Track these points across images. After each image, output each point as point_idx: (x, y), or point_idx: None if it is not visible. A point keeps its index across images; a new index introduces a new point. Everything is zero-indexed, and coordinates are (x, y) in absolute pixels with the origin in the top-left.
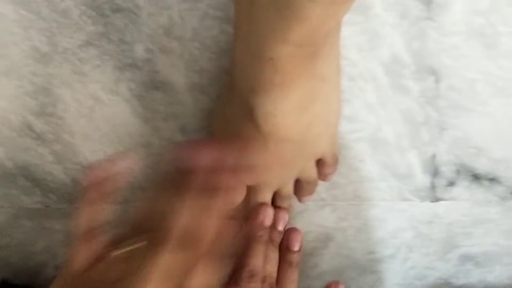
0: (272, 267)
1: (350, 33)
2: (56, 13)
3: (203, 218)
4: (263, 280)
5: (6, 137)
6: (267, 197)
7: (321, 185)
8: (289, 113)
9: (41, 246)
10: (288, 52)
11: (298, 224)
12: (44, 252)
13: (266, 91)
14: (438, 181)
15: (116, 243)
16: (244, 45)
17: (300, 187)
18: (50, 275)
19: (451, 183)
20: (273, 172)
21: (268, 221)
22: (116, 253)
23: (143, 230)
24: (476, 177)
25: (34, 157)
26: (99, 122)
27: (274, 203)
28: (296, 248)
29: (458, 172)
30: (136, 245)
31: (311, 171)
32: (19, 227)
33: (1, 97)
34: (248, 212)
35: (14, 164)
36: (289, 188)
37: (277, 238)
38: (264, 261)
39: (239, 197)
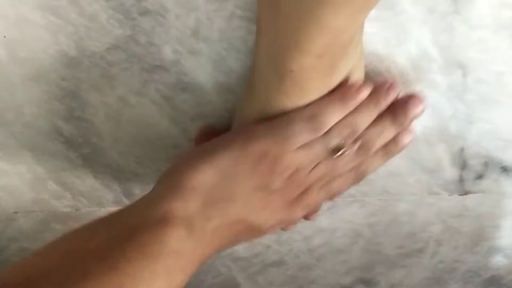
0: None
1: (377, 28)
2: (83, 17)
3: None
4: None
5: (35, 142)
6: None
7: None
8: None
9: None
10: (308, 63)
11: (327, 220)
12: None
13: (286, 101)
14: (467, 174)
15: None
16: (266, 55)
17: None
18: None
19: (480, 176)
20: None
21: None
22: None
23: None
24: (505, 169)
25: (63, 161)
26: (127, 125)
27: None
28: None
29: (486, 164)
30: None
31: None
32: (50, 231)
33: (30, 102)
34: None
35: (44, 168)
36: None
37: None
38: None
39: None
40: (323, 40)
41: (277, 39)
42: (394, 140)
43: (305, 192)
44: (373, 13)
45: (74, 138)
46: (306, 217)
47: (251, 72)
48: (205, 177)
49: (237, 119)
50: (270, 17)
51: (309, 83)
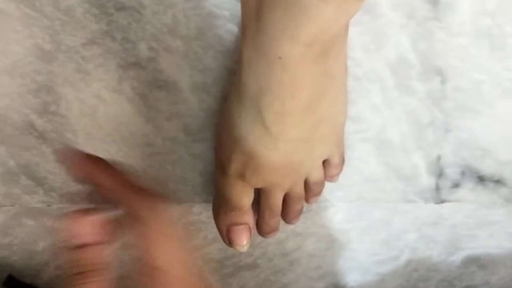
0: None
1: (356, 32)
2: (59, 11)
3: None
4: None
5: (8, 136)
6: (278, 199)
7: (325, 186)
8: (298, 112)
9: (43, 245)
10: (297, 51)
11: (301, 225)
12: (46, 251)
13: (275, 90)
14: (443, 182)
15: None
16: (252, 44)
17: (308, 188)
18: (52, 274)
19: (456, 185)
20: (284, 173)
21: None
22: None
23: None
24: (481, 179)
25: (36, 155)
26: (102, 121)
27: (285, 205)
28: None
29: (463, 173)
30: None
31: (319, 172)
32: (21, 226)
33: (4, 95)
34: (257, 216)
35: (16, 162)
36: (300, 189)
37: None
38: None
39: (248, 201)
40: (312, 30)
41: (263, 27)
42: None
43: None
44: None
45: (47, 133)
46: (289, 221)
47: (234, 70)
48: None
49: (223, 122)
50: (255, 4)
51: (301, 70)
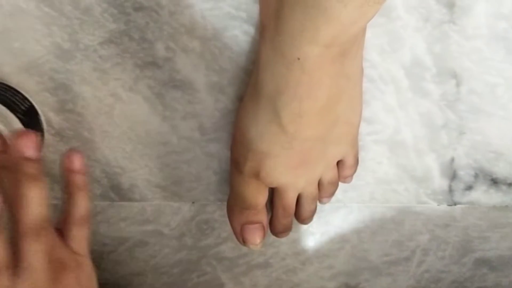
0: None
1: (372, 34)
2: (78, 10)
3: None
4: None
5: None
6: (292, 198)
7: (338, 187)
8: (315, 112)
9: None
10: (316, 52)
11: (314, 225)
12: None
13: (293, 90)
14: (456, 184)
15: None
16: (271, 45)
17: (322, 188)
18: None
19: (469, 187)
20: (298, 172)
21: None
22: None
23: None
24: (494, 182)
25: (53, 153)
26: (118, 120)
27: (298, 205)
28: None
29: (476, 176)
30: None
31: (333, 172)
32: None
33: None
34: (271, 215)
35: None
36: (314, 189)
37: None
38: None
39: (262, 200)
40: (331, 32)
41: (282, 28)
42: None
43: None
44: None
45: (64, 130)
46: (302, 221)
47: (255, 68)
48: None
49: (240, 121)
50: (274, 5)
51: (319, 71)
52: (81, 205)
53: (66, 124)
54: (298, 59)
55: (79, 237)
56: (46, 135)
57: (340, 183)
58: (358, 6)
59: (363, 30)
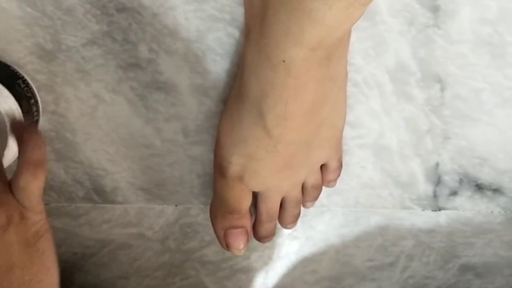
0: None
1: (356, 38)
2: (60, 10)
3: None
4: None
5: None
6: (276, 202)
7: (322, 191)
8: (300, 115)
9: None
10: (301, 55)
11: (298, 229)
12: None
13: (278, 93)
14: (441, 190)
15: None
16: (256, 47)
17: (305, 192)
18: None
19: (454, 193)
20: (282, 176)
21: None
22: None
23: None
24: (479, 187)
25: None
26: (101, 121)
27: (282, 209)
28: None
29: (461, 181)
30: None
31: (317, 176)
32: None
33: None
34: (254, 220)
35: (15, 160)
36: (297, 193)
37: None
38: None
39: (246, 204)
40: (316, 34)
41: (267, 30)
42: None
43: None
44: None
45: (46, 132)
46: (286, 226)
47: (239, 70)
48: None
49: (224, 124)
50: (259, 8)
51: (304, 74)
52: (33, 151)
53: (48, 125)
54: (284, 61)
55: (29, 189)
56: None
57: (324, 188)
58: (343, 8)
59: (348, 33)
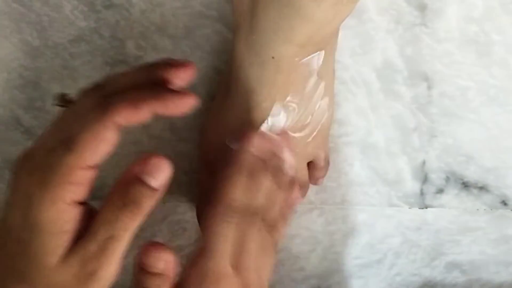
0: None
1: (343, 36)
2: (47, 7)
3: None
4: None
5: None
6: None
7: (310, 188)
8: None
9: None
10: (290, 52)
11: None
12: None
13: (267, 90)
14: (427, 188)
15: None
16: (245, 44)
17: None
18: None
19: (440, 190)
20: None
21: None
22: None
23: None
24: (466, 185)
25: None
26: None
27: None
28: None
29: (447, 179)
30: None
31: (304, 173)
32: None
33: None
34: None
35: (1, 158)
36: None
37: None
38: None
39: None
40: (306, 31)
41: (256, 27)
42: None
43: None
44: None
45: (33, 128)
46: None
47: (227, 66)
48: None
49: (211, 120)
50: (248, 4)
51: (294, 69)
52: None
53: (35, 122)
54: (273, 58)
55: None
56: (15, 132)
57: (312, 185)
58: (332, 5)
59: (337, 30)
